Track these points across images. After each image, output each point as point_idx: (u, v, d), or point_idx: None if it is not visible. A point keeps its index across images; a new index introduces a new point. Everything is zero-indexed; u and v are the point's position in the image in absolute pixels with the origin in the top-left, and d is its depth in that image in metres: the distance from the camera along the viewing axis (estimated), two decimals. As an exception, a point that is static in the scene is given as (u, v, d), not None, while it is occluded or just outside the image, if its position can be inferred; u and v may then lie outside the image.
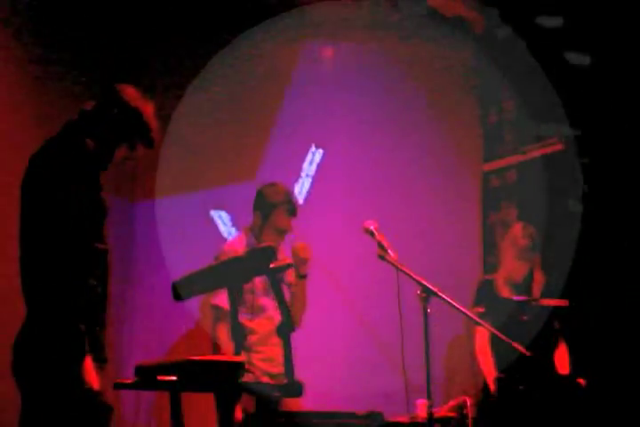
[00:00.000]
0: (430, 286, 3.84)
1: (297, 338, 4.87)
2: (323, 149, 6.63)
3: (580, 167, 5.81)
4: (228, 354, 4.26)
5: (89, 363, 3.02)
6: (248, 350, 4.73)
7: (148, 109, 3.32)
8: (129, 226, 6.14)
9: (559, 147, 6.12)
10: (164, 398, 3.41)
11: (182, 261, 5.21)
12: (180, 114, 6.02)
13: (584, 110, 5.80)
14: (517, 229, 5.45)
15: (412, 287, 3.89)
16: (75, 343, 3.01)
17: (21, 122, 5.42)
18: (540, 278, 5.40)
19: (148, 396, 5.58)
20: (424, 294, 3.84)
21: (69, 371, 3.00)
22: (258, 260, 3.41)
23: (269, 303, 4.83)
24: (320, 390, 4.90)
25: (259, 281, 4.77)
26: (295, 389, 3.33)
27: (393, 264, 3.96)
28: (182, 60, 6.27)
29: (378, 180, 6.66)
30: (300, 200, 6.18)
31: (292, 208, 4.98)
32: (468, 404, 4.25)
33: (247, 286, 4.79)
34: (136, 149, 3.32)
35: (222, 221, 6.38)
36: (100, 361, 3.10)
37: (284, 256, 4.90)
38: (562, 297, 5.30)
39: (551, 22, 5.75)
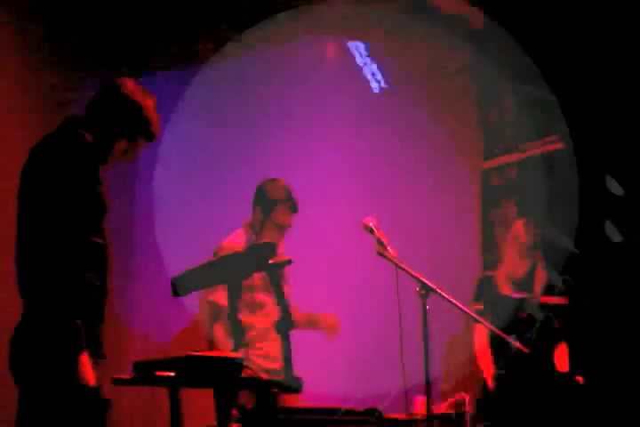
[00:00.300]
0: (429, 283, 3.84)
1: (295, 335, 4.89)
2: (323, 147, 6.62)
3: (580, 166, 5.82)
4: (224, 351, 4.26)
5: (85, 358, 3.02)
6: (246, 346, 4.73)
7: (149, 103, 3.31)
8: (129, 221, 6.14)
9: (559, 145, 6.12)
10: (163, 393, 3.41)
11: (179, 257, 5.21)
12: (179, 111, 6.02)
13: (581, 108, 5.81)
14: (519, 225, 5.45)
15: (412, 284, 3.89)
16: (71, 339, 3.00)
17: (21, 122, 5.43)
18: (541, 276, 5.40)
19: (146, 391, 5.58)
20: (423, 291, 3.84)
21: (65, 366, 3.00)
22: (257, 256, 3.42)
23: (268, 300, 4.82)
24: (319, 386, 4.90)
25: (258, 277, 4.76)
26: (294, 385, 3.33)
27: (392, 261, 3.96)
28: (182, 58, 6.26)
29: (378, 177, 6.65)
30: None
31: (292, 204, 4.98)
32: (467, 401, 4.25)
33: (246, 283, 4.78)
34: (136, 142, 3.31)
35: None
36: (98, 357, 3.10)
37: (284, 252, 4.90)
38: (561, 295, 5.30)
39: None
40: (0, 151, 5.22)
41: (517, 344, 4.24)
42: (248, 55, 6.40)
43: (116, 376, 3.24)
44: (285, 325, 3.62)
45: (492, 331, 4.42)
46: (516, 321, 5.15)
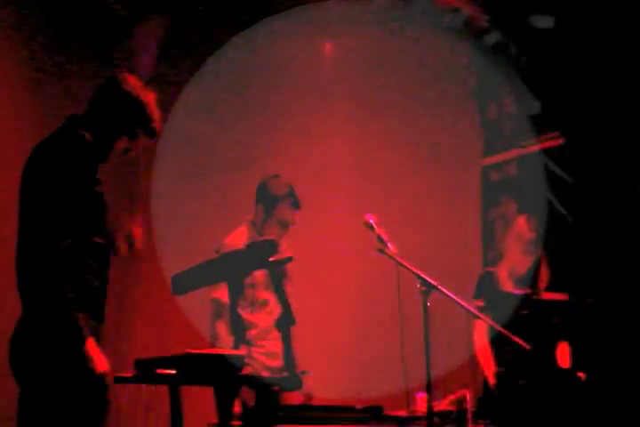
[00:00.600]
0: (430, 280, 3.84)
1: (298, 332, 4.88)
2: (322, 144, 6.62)
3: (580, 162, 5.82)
4: (226, 348, 4.25)
5: (92, 344, 3.01)
6: (248, 344, 4.72)
7: (150, 99, 3.29)
8: (129, 219, 6.12)
9: (559, 141, 6.11)
10: (164, 390, 3.41)
11: (179, 256, 5.21)
12: (179, 108, 6.01)
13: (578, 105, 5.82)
14: (522, 222, 5.43)
15: (413, 281, 3.89)
16: (75, 329, 3.00)
17: (21, 122, 5.42)
18: (545, 272, 5.39)
19: (147, 389, 5.57)
20: (424, 288, 3.83)
21: (71, 358, 2.99)
22: (258, 253, 3.41)
23: (271, 297, 4.80)
24: (320, 383, 4.90)
25: (260, 275, 4.74)
26: (295, 382, 3.33)
27: (392, 258, 3.96)
28: (183, 56, 6.25)
29: (377, 174, 6.65)
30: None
31: (295, 201, 4.96)
32: (468, 398, 4.24)
33: (248, 280, 4.77)
34: (137, 139, 3.29)
35: None
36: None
37: (286, 249, 4.90)
38: (562, 291, 5.30)
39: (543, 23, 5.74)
40: (1, 153, 5.23)
41: (519, 341, 4.23)
42: (248, 53, 6.40)
43: (116, 375, 3.24)
44: (286, 322, 3.62)
45: (492, 327, 4.41)
46: (518, 318, 5.14)
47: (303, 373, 4.21)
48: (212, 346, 4.69)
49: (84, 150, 3.12)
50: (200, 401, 4.03)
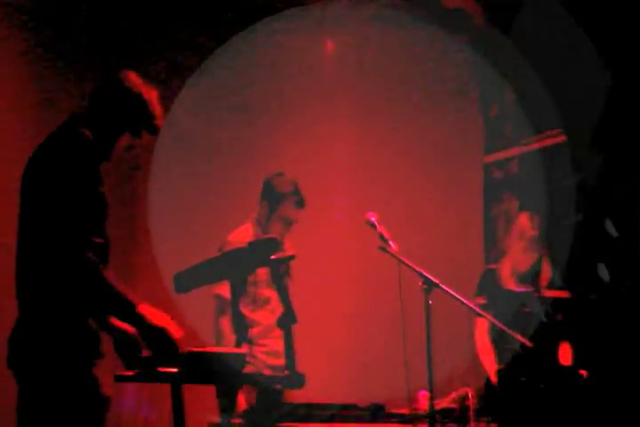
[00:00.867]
0: (432, 278, 3.83)
1: (299, 330, 4.88)
2: (324, 143, 6.61)
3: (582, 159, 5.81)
4: (229, 345, 4.25)
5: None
6: (251, 342, 4.72)
7: (152, 96, 3.28)
8: (130, 219, 6.13)
9: (561, 138, 6.11)
10: (166, 388, 3.40)
11: (179, 254, 5.21)
12: (178, 106, 6.01)
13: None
14: (524, 219, 5.43)
15: (415, 279, 3.89)
16: (73, 337, 3.00)
17: (21, 121, 5.42)
18: (547, 269, 5.39)
19: (149, 386, 5.57)
20: (425, 286, 3.83)
21: (69, 366, 3.00)
22: (259, 251, 3.41)
23: (273, 295, 4.80)
24: (322, 381, 4.90)
25: (263, 272, 4.74)
26: (296, 380, 3.32)
27: (394, 256, 3.96)
28: (183, 54, 6.25)
29: (380, 172, 6.64)
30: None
31: (299, 199, 4.97)
32: (470, 395, 4.24)
33: (251, 278, 4.77)
34: (139, 136, 3.28)
35: None
36: (97, 356, 3.08)
37: (289, 247, 4.90)
38: (564, 289, 5.29)
39: None
40: (0, 151, 5.23)
41: (520, 338, 4.22)
42: (249, 51, 6.39)
43: (117, 373, 3.24)
44: (287, 320, 3.61)
45: (494, 325, 4.41)
46: (520, 315, 5.14)
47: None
48: (216, 343, 4.70)
49: (86, 149, 3.10)
50: (202, 399, 4.03)
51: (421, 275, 3.85)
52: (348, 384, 5.96)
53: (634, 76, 5.57)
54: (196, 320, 5.20)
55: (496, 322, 4.23)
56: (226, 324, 4.61)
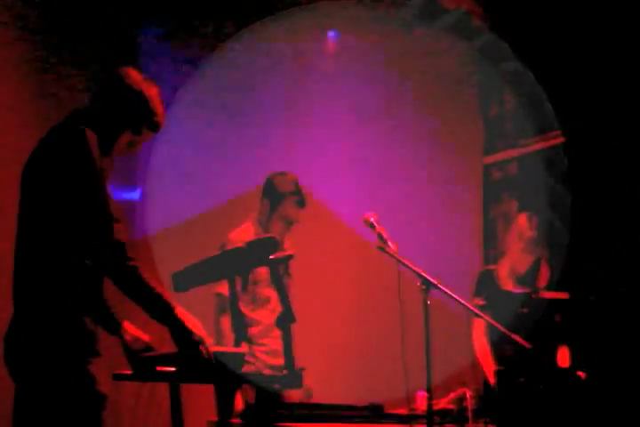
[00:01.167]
0: (430, 278, 3.83)
1: (297, 330, 4.88)
2: (323, 142, 6.61)
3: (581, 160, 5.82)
4: (229, 344, 4.25)
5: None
6: (250, 342, 4.72)
7: (153, 93, 3.28)
8: (129, 217, 6.12)
9: (560, 140, 6.11)
10: (164, 388, 3.41)
11: (178, 253, 5.21)
12: (177, 105, 6.00)
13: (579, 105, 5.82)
14: (523, 220, 5.42)
15: (413, 279, 3.88)
16: (71, 336, 3.00)
17: (21, 119, 5.42)
18: (545, 271, 5.39)
19: (148, 385, 5.58)
20: (424, 286, 3.83)
21: (65, 364, 3.00)
22: (258, 251, 3.40)
23: (273, 295, 4.79)
24: (320, 382, 4.90)
25: (263, 272, 4.74)
26: (294, 380, 3.32)
27: (393, 256, 3.95)
28: (183, 53, 6.25)
29: (379, 172, 6.64)
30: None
31: (301, 199, 4.98)
32: (468, 396, 4.24)
33: (251, 277, 4.78)
34: (140, 133, 3.28)
35: None
36: (94, 354, 3.07)
37: (289, 247, 4.90)
38: (562, 290, 5.29)
39: None
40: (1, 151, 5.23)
41: (519, 339, 4.22)
42: (250, 50, 6.40)
43: (116, 372, 3.24)
44: (286, 320, 3.61)
45: (491, 326, 4.41)
46: (518, 316, 5.14)
47: (301, 369, 4.22)
48: (217, 342, 4.70)
49: (87, 146, 3.09)
50: (200, 399, 4.03)
51: (420, 275, 3.84)
52: (347, 384, 5.96)
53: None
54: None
55: (494, 323, 4.22)
56: (226, 323, 4.60)
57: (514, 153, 6.55)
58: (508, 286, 5.36)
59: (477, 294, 5.37)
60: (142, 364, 3.14)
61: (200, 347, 3.07)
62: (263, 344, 4.84)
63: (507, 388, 5.06)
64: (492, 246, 6.44)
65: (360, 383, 6.01)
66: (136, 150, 3.35)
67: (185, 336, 3.07)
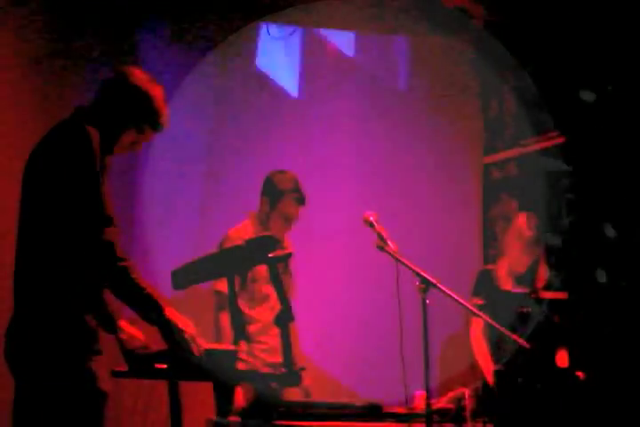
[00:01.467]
0: (429, 278, 3.83)
1: (297, 328, 4.88)
2: (323, 142, 6.62)
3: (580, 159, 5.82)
4: (228, 342, 4.25)
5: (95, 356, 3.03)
6: (249, 340, 4.71)
7: (158, 93, 3.29)
8: (128, 215, 6.12)
9: (560, 139, 6.11)
10: (164, 385, 3.41)
11: (178, 251, 5.21)
12: (177, 105, 5.99)
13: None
14: (522, 220, 5.42)
15: (412, 278, 3.88)
16: (74, 332, 3.01)
17: (22, 117, 5.43)
18: (544, 271, 5.39)
19: (147, 383, 5.58)
20: (423, 286, 3.83)
21: (67, 362, 3.00)
22: (257, 249, 3.40)
23: (272, 292, 4.78)
24: (318, 381, 4.90)
25: (263, 269, 4.73)
26: (293, 378, 3.32)
27: (392, 255, 3.95)
28: (183, 52, 6.25)
29: (378, 172, 6.65)
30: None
31: (300, 197, 4.98)
32: (467, 396, 4.24)
33: (250, 275, 4.78)
34: (143, 132, 3.29)
35: None
36: (95, 352, 3.07)
37: (290, 245, 4.90)
38: (561, 290, 5.30)
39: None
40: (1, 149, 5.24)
41: (517, 339, 4.22)
42: (250, 49, 6.40)
43: (115, 369, 3.25)
44: (284, 318, 3.60)
45: (489, 326, 4.41)
46: (517, 316, 5.14)
47: (301, 369, 4.22)
48: (217, 339, 4.70)
49: (87, 145, 3.09)
50: (199, 397, 4.03)
51: (419, 275, 3.84)
52: (345, 384, 5.96)
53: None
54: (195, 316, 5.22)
55: (492, 322, 4.22)
56: (226, 320, 4.59)
57: (514, 153, 6.55)
58: (507, 285, 5.36)
59: (476, 293, 5.37)
60: (138, 361, 3.15)
61: (191, 345, 3.06)
62: (262, 342, 4.84)
63: (505, 388, 5.06)
64: (491, 246, 6.44)
65: (358, 382, 6.01)
66: (137, 149, 3.36)
67: (175, 336, 3.07)
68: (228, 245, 4.55)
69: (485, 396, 5.08)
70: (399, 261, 3.91)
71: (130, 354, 3.17)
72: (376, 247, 4.01)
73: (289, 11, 6.18)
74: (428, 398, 3.77)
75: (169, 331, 3.07)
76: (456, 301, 3.89)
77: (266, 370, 4.59)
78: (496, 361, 5.23)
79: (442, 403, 4.25)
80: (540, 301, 5.25)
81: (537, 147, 6.32)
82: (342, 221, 6.19)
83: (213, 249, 4.53)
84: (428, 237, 6.24)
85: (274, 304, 4.74)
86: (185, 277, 3.33)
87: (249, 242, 3.46)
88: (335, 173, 6.56)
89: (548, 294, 5.27)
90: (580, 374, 5.06)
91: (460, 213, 6.54)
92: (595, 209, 5.69)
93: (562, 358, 5.21)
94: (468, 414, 4.20)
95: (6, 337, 3.07)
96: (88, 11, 5.74)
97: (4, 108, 5.43)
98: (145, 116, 3.25)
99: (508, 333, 4.23)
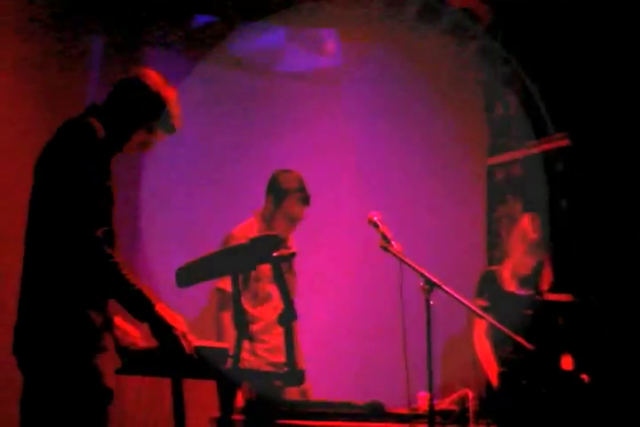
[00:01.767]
0: (433, 278, 3.82)
1: (299, 328, 4.88)
2: (327, 142, 6.62)
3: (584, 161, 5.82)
4: (230, 340, 4.25)
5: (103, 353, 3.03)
6: (252, 339, 4.70)
7: (171, 95, 3.30)
8: (133, 214, 6.12)
9: (565, 141, 6.10)
10: (167, 383, 3.41)
11: (182, 249, 5.21)
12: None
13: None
14: (526, 221, 5.41)
15: (416, 279, 3.88)
16: (80, 329, 3.01)
17: (26, 112, 5.43)
18: (548, 273, 5.38)
19: (150, 381, 5.58)
20: (427, 286, 3.82)
21: (72, 358, 3.00)
22: (261, 248, 3.40)
23: (276, 291, 4.78)
24: (322, 380, 4.89)
25: (266, 268, 4.73)
26: (296, 377, 3.31)
27: (396, 256, 3.94)
28: (182, 52, 6.26)
29: (382, 173, 6.65)
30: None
31: (305, 196, 4.99)
32: (470, 397, 4.23)
33: (253, 273, 4.77)
34: (154, 133, 3.30)
35: None
36: (99, 350, 3.08)
37: (293, 244, 4.90)
38: (566, 292, 5.29)
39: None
40: (4, 148, 5.24)
41: (522, 341, 4.21)
42: (250, 49, 6.40)
43: (117, 366, 3.25)
44: (287, 317, 3.59)
45: (494, 327, 4.40)
46: (521, 318, 5.13)
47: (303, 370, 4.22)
48: (219, 338, 4.70)
49: (97, 142, 3.10)
50: (203, 395, 4.03)
51: (423, 275, 3.83)
52: (347, 384, 5.95)
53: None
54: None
55: (496, 324, 4.21)
56: (228, 318, 4.59)
57: (518, 154, 6.54)
58: (511, 287, 5.35)
59: (480, 294, 5.36)
60: (132, 358, 3.16)
61: (181, 342, 3.06)
62: (264, 341, 4.83)
63: (509, 390, 5.05)
64: (495, 247, 6.43)
65: (361, 383, 6.00)
66: (147, 150, 3.37)
67: (165, 332, 3.06)
68: (233, 243, 4.55)
69: (489, 397, 5.07)
70: (403, 261, 3.90)
71: (124, 351, 3.17)
72: (380, 248, 4.01)
73: (288, 10, 6.18)
74: (431, 399, 3.76)
75: (159, 328, 3.06)
76: (460, 302, 3.88)
77: (268, 369, 4.58)
78: (500, 363, 5.22)
79: (445, 404, 4.24)
80: (544, 303, 5.24)
81: (542, 148, 6.31)
82: (346, 221, 6.19)
83: (217, 247, 4.53)
84: (431, 238, 6.23)
85: (277, 303, 4.74)
86: (189, 275, 3.33)
87: (253, 240, 3.45)
88: (338, 175, 6.56)
89: (553, 296, 5.26)
90: (584, 376, 5.05)
91: (464, 215, 6.53)
92: (598, 210, 5.68)
93: (566, 361, 5.20)
94: (471, 415, 4.20)
95: (14, 334, 3.08)
96: (91, 11, 5.75)
97: (5, 108, 5.44)
98: (156, 117, 3.27)
99: (511, 334, 4.22)
